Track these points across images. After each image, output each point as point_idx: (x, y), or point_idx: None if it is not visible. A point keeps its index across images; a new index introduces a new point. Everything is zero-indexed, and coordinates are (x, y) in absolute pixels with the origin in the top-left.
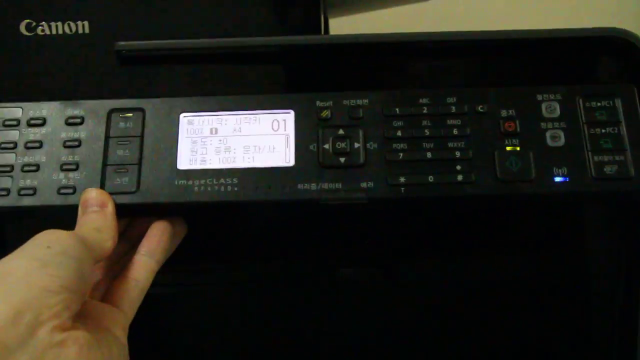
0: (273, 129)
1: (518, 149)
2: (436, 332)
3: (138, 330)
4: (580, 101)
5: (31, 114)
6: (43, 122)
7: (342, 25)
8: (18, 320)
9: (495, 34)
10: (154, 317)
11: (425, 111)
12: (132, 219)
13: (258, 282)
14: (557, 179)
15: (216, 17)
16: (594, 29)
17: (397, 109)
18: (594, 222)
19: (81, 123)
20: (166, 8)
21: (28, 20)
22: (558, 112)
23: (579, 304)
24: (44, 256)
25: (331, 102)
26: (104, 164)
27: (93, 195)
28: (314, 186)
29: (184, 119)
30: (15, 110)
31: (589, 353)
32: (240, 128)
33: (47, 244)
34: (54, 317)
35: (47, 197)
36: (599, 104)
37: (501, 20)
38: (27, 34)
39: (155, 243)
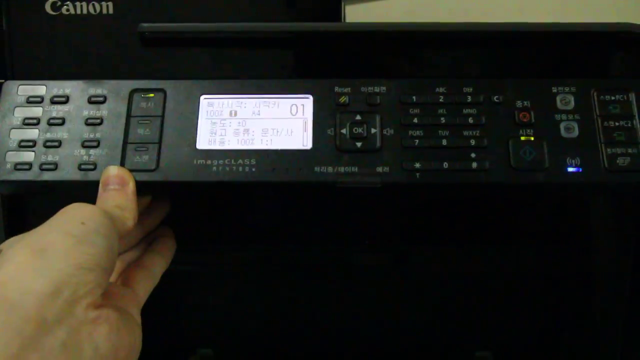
0: (291, 113)
1: (532, 138)
2: (443, 318)
3: (151, 308)
4: (595, 94)
5: (55, 91)
6: (66, 100)
7: (356, 13)
8: (57, 296)
9: (510, 25)
10: (170, 294)
11: (441, 100)
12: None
13: (267, 264)
14: (570, 169)
15: (238, 1)
16: (607, 23)
17: (413, 97)
18: (605, 214)
19: (103, 102)
20: None
21: (53, 0)
22: (572, 104)
23: (586, 294)
24: (79, 233)
25: (349, 89)
26: (125, 142)
27: (114, 172)
28: (330, 169)
29: (204, 100)
30: (39, 88)
31: (595, 344)
32: (259, 111)
33: (81, 220)
34: (88, 294)
35: (68, 173)
36: (612, 98)
37: (518, 8)
38: (52, 13)
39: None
